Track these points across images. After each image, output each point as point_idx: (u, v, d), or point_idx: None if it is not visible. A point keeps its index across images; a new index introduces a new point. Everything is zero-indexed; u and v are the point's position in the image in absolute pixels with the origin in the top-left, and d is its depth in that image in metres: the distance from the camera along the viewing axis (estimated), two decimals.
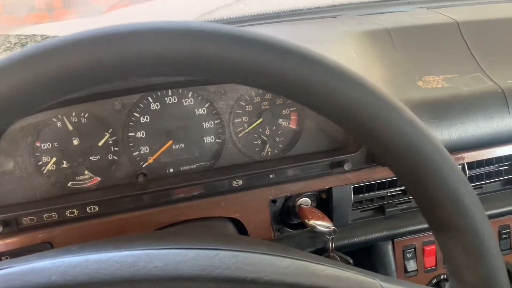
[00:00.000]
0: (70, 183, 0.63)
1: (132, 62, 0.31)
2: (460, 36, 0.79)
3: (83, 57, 0.30)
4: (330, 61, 0.34)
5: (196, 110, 0.66)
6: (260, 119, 0.69)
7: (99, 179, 0.64)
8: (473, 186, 0.75)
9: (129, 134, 0.64)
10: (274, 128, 0.70)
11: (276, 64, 0.32)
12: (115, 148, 0.64)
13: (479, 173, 0.75)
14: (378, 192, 0.72)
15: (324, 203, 0.71)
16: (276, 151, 0.70)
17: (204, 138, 0.67)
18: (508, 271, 0.78)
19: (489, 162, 0.75)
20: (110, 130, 0.63)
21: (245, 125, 0.68)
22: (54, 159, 0.62)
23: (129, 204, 0.63)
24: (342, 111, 0.34)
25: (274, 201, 0.69)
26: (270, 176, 0.66)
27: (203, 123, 0.67)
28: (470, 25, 0.81)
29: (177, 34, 0.31)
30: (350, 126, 0.35)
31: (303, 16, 0.89)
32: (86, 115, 0.62)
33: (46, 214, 0.59)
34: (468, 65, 0.75)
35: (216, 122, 0.67)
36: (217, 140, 0.68)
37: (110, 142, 0.64)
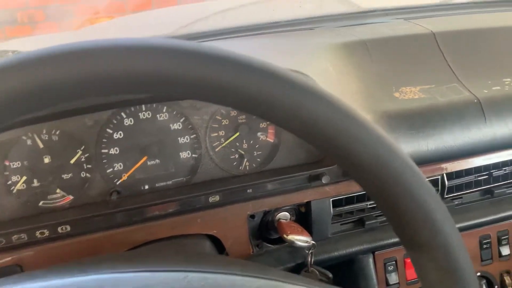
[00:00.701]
0: (41, 202, 0.61)
1: (91, 81, 0.30)
2: (436, 47, 0.79)
3: (38, 75, 0.29)
4: (295, 77, 0.33)
5: (171, 125, 0.65)
6: (237, 133, 0.68)
7: (71, 197, 0.63)
8: (452, 196, 0.75)
9: (102, 150, 0.63)
10: (251, 142, 0.69)
11: (239, 81, 0.31)
12: (88, 166, 0.63)
13: (458, 183, 0.74)
14: (358, 205, 0.71)
15: (303, 216, 0.70)
16: (254, 165, 0.69)
17: (180, 153, 0.66)
18: (490, 281, 0.78)
19: (468, 172, 0.75)
20: (83, 147, 0.62)
21: (222, 140, 0.67)
22: (24, 178, 0.60)
23: (103, 223, 0.61)
24: (308, 127, 0.33)
25: (252, 216, 0.68)
26: (248, 191, 0.65)
27: (179, 138, 0.66)
28: (446, 35, 0.81)
29: (135, 52, 0.30)
30: (317, 143, 0.34)
31: (282, 28, 0.88)
32: (57, 132, 0.61)
33: (15, 236, 0.57)
34: (445, 75, 0.76)
35: (191, 137, 0.66)
36: (193, 155, 0.66)
37: (83, 159, 0.62)
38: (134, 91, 0.32)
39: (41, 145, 0.60)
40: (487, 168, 0.75)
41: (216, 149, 0.67)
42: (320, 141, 0.33)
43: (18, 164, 0.60)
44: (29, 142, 0.60)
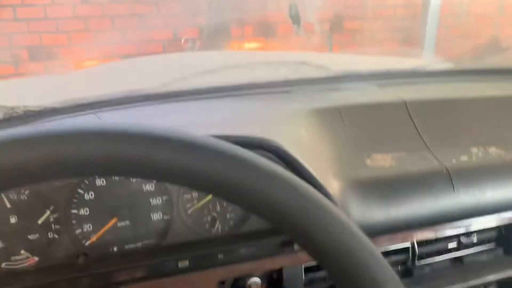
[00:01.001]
0: (3, 264, 0.59)
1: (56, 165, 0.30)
2: (407, 115, 0.82)
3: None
4: (263, 163, 0.34)
5: (143, 186, 0.65)
6: (210, 196, 0.68)
7: (36, 259, 0.61)
8: (423, 263, 0.76)
9: (72, 211, 0.62)
10: (224, 204, 0.69)
11: (201, 166, 0.32)
12: (56, 226, 0.61)
13: (429, 250, 0.75)
14: None
15: (275, 282, 0.69)
16: (226, 228, 0.69)
17: (151, 215, 0.65)
18: None
19: (438, 239, 0.75)
20: (52, 207, 0.61)
21: (195, 201, 0.67)
22: None
23: (68, 287, 0.59)
24: (275, 215, 0.34)
25: (222, 283, 0.66)
26: (219, 256, 0.64)
27: (151, 200, 0.65)
28: (417, 104, 0.84)
29: (102, 138, 0.30)
30: (284, 230, 0.34)
31: (258, 89, 0.91)
32: (26, 192, 0.60)
33: None
34: (415, 144, 0.78)
35: (164, 198, 0.66)
36: (164, 217, 0.66)
37: (51, 219, 0.61)
38: (100, 174, 0.32)
39: (8, 205, 0.59)
40: (456, 236, 0.76)
41: (189, 212, 0.67)
42: (286, 228, 0.34)
43: None
44: None
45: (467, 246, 0.78)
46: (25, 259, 0.60)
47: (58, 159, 0.29)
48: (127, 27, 3.25)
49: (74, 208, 0.62)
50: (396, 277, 0.34)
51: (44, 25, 3.16)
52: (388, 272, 0.34)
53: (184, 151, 0.32)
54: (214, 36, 3.26)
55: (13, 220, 0.59)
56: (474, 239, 0.78)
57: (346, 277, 0.34)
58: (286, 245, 0.67)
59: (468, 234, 0.77)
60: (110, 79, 1.30)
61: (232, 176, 0.33)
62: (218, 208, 0.68)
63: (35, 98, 1.07)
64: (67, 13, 3.16)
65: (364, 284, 0.33)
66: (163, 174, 0.32)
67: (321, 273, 0.71)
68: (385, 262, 0.34)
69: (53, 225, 0.61)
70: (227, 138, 0.61)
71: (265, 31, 3.45)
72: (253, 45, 3.49)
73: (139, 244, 0.65)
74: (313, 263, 0.69)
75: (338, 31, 3.49)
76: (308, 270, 0.70)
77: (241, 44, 3.44)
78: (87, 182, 0.62)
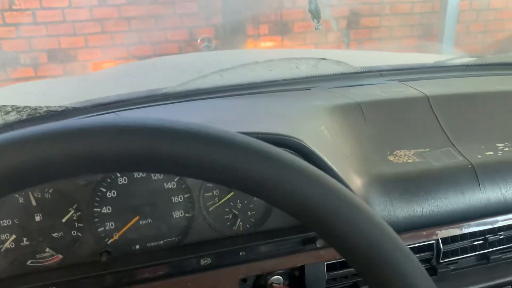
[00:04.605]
0: (29, 261, 0.60)
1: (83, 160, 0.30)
2: (430, 110, 0.81)
3: (32, 154, 0.29)
4: (287, 157, 0.34)
5: (165, 184, 0.65)
6: (232, 193, 0.67)
7: (60, 256, 0.61)
8: (448, 261, 0.74)
9: (95, 209, 0.62)
10: (245, 202, 0.68)
11: (233, 162, 0.32)
12: (79, 224, 0.62)
13: (453, 248, 0.74)
14: (352, 269, 0.70)
15: (297, 280, 0.69)
16: (247, 225, 0.69)
17: (173, 213, 0.65)
18: None
19: (463, 237, 0.74)
20: (75, 205, 0.61)
21: (216, 199, 0.67)
22: (14, 236, 0.59)
23: (91, 285, 0.60)
24: (300, 208, 0.33)
25: (244, 280, 0.66)
26: (241, 253, 0.64)
27: (172, 198, 0.65)
28: (439, 99, 0.83)
29: (123, 132, 0.30)
30: (309, 223, 0.34)
31: (279, 87, 0.90)
32: (50, 191, 0.60)
33: None
34: (439, 139, 0.77)
35: (185, 196, 0.66)
36: (186, 215, 0.66)
37: (74, 218, 0.62)
38: (125, 170, 0.32)
39: (34, 203, 0.60)
40: (482, 233, 0.74)
41: (210, 209, 0.67)
42: (311, 221, 0.33)
43: (9, 222, 0.59)
44: (21, 200, 0.59)
45: (493, 244, 0.76)
46: (50, 257, 0.61)
47: (93, 154, 0.29)
48: (143, 29, 3.28)
49: (97, 207, 0.62)
50: (426, 272, 0.34)
51: (62, 28, 3.21)
52: (417, 267, 0.33)
53: (219, 148, 0.31)
54: (230, 35, 3.27)
55: (38, 218, 0.60)
56: (501, 236, 0.76)
57: (375, 272, 0.33)
58: (308, 243, 0.66)
59: (494, 231, 0.75)
60: (128, 80, 1.31)
61: (258, 171, 0.32)
62: (239, 205, 0.68)
63: (57, 98, 1.08)
64: (84, 15, 3.20)
65: (394, 279, 0.33)
66: (192, 170, 0.32)
67: (343, 271, 0.70)
68: (414, 257, 0.34)
69: (76, 224, 0.62)
70: (248, 135, 0.61)
71: (281, 29, 3.45)
72: (269, 43, 3.48)
73: (161, 242, 0.65)
74: (335, 260, 0.69)
75: (355, 27, 3.46)
76: (330, 267, 0.69)
77: (257, 42, 3.43)
78: (109, 181, 0.62)
